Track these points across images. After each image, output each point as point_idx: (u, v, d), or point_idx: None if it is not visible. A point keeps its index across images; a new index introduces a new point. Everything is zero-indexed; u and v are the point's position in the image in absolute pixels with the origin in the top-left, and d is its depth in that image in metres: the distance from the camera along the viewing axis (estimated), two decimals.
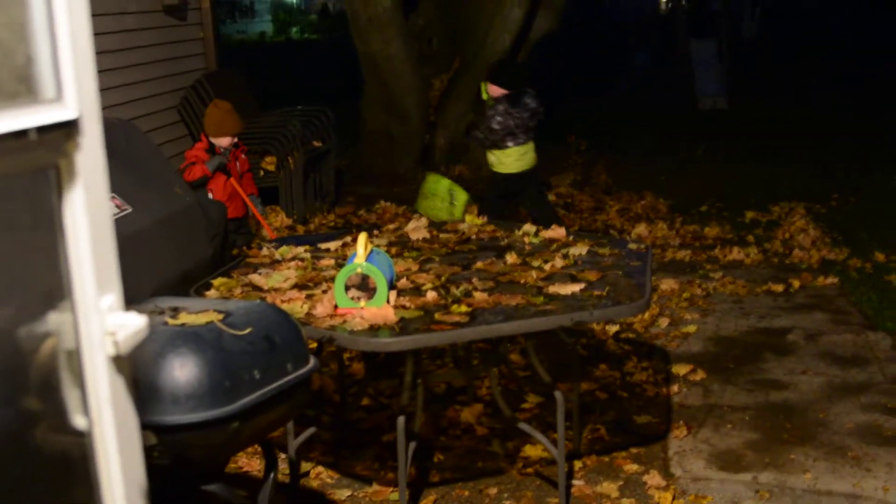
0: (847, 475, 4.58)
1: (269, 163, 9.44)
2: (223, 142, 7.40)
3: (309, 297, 3.98)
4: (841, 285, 7.63)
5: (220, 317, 3.03)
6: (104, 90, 7.07)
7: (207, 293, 4.11)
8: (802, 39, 30.38)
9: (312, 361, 3.16)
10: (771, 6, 36.35)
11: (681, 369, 5.90)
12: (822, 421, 5.19)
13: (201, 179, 7.21)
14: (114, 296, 1.81)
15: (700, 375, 5.83)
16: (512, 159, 8.03)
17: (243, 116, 8.50)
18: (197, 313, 3.05)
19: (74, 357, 1.78)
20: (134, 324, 1.82)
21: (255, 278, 4.25)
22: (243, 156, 7.70)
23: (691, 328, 6.71)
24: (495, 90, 7.91)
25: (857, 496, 4.39)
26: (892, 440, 4.93)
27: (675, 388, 5.66)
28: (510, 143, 7.97)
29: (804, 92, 20.16)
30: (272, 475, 3.23)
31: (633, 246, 4.82)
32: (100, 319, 1.78)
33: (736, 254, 8.48)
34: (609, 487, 4.46)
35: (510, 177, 8.04)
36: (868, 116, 16.88)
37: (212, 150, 7.37)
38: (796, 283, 7.63)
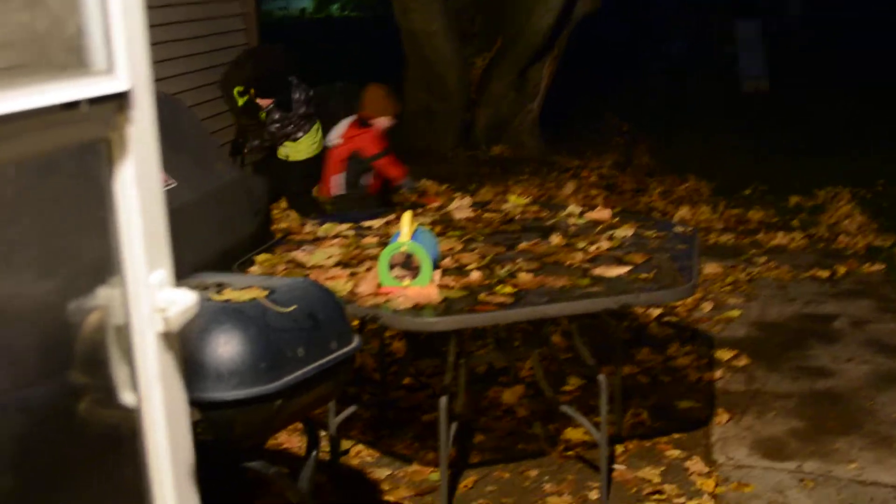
0: (893, 466, 4.51)
1: None
2: (385, 122, 7.51)
3: (352, 275, 3.95)
4: (887, 272, 7.52)
5: (264, 293, 3.00)
6: None
7: (251, 270, 4.09)
8: (848, 20, 29.95)
9: (356, 340, 3.13)
10: None
11: (724, 355, 5.84)
12: (868, 410, 5.12)
13: (393, 179, 7.54)
14: (164, 271, 1.79)
15: (743, 361, 5.77)
16: (306, 145, 8.17)
17: (283, 92, 8.51)
18: (241, 290, 3.03)
19: (124, 333, 1.76)
20: (184, 300, 1.80)
21: (299, 255, 4.23)
22: None
23: (735, 313, 6.64)
24: (264, 102, 8.11)
25: None
26: None
27: (718, 373, 5.60)
28: (301, 134, 8.17)
29: (849, 75, 19.91)
30: (314, 453, 3.21)
31: (679, 229, 4.75)
32: (150, 295, 1.76)
33: (780, 238, 8.39)
34: (651, 472, 4.41)
35: (308, 161, 8.16)
36: None
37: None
38: (842, 270, 7.53)
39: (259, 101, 8.17)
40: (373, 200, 7.49)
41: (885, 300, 6.90)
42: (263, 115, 8.21)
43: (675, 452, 4.63)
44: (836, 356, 5.88)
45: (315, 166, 7.97)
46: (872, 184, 10.43)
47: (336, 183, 7.45)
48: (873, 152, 12.20)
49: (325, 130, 8.83)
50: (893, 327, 6.35)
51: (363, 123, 7.41)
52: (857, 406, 5.17)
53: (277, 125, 8.20)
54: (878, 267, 7.60)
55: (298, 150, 8.15)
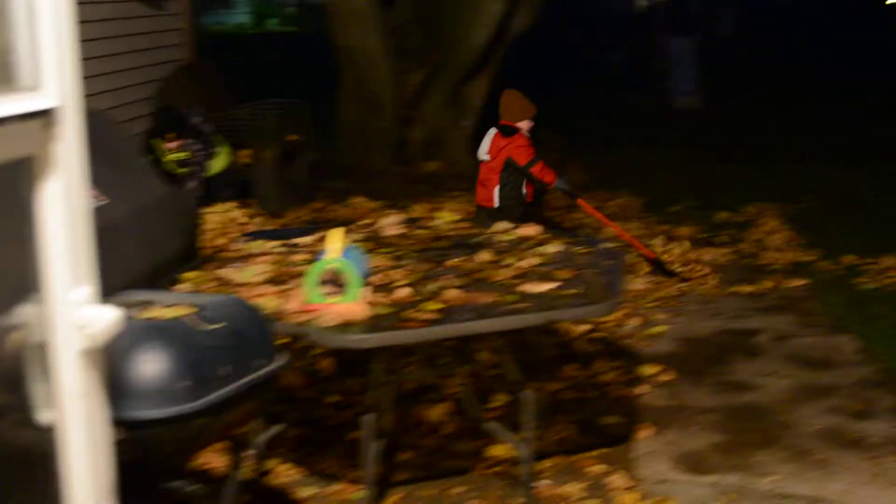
0: (811, 478, 4.63)
1: (244, 156, 9.43)
2: (525, 125, 7.66)
3: (281, 292, 3.97)
4: (811, 287, 7.69)
5: (191, 311, 3.02)
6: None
7: (178, 287, 4.10)
8: (779, 39, 30.44)
9: (282, 358, 3.16)
10: (748, 5, 36.40)
11: (649, 370, 5.94)
12: (787, 423, 5.24)
13: (546, 184, 7.68)
14: (88, 288, 1.80)
15: (668, 376, 5.87)
16: (222, 157, 8.93)
17: (219, 109, 8.69)
18: (167, 307, 3.05)
19: (45, 350, 1.77)
20: (107, 317, 1.81)
21: (227, 273, 4.25)
22: None
23: (661, 328, 6.75)
24: (173, 144, 8.62)
25: (820, 499, 4.44)
26: (856, 444, 4.98)
27: (643, 388, 5.69)
28: (217, 149, 8.92)
29: (778, 91, 20.24)
30: (237, 472, 3.23)
31: (606, 245, 4.84)
32: (73, 312, 1.77)
33: (708, 254, 8.53)
34: (574, 488, 4.48)
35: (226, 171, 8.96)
36: (841, 117, 16.97)
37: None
38: (767, 285, 7.69)
39: (167, 145, 8.58)
40: (531, 208, 7.77)
41: (808, 315, 7.06)
42: (184, 154, 8.54)
43: (599, 467, 4.70)
44: (758, 370, 6.01)
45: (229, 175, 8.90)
46: (799, 200, 10.63)
47: (496, 196, 7.62)
48: (801, 169, 12.43)
49: (256, 146, 8.98)
50: (814, 342, 6.50)
51: (508, 132, 7.58)
52: (777, 420, 5.29)
53: (202, 152, 8.61)
54: (801, 282, 7.76)
55: (217, 163, 8.73)
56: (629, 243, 8.12)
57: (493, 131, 7.65)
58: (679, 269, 7.97)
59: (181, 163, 8.59)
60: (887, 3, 37.71)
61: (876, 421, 5.26)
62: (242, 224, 8.59)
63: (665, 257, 8.12)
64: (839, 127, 15.94)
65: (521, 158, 7.47)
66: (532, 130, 7.78)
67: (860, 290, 7.56)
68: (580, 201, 8.12)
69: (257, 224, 8.76)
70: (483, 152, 7.69)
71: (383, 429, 4.27)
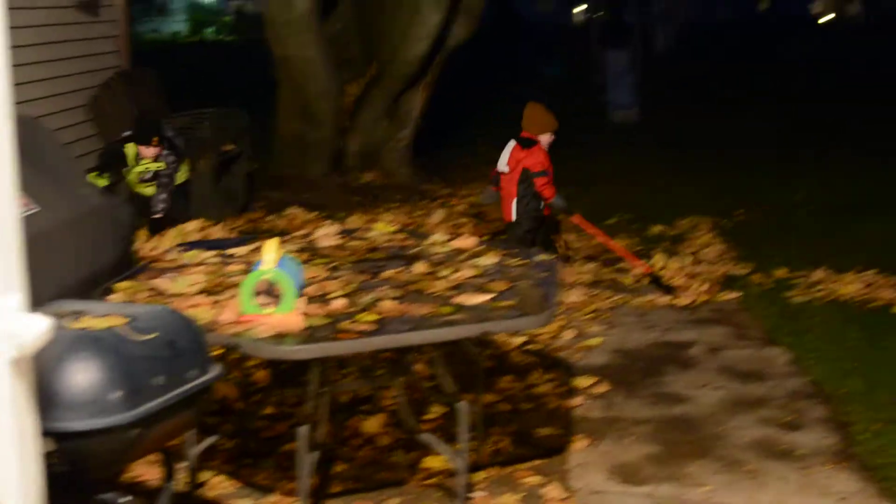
0: (742, 489, 4.68)
1: (141, 173, 9.35)
2: (545, 139, 7.95)
3: (215, 303, 3.95)
4: (743, 300, 7.79)
5: (124, 321, 2.99)
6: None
7: (111, 297, 4.06)
8: (715, 53, 30.85)
9: (216, 368, 3.14)
10: (684, 20, 36.90)
11: (584, 382, 5.97)
12: (720, 434, 5.30)
13: (545, 199, 7.84)
14: (18, 296, 1.78)
15: (603, 388, 5.91)
16: (183, 172, 8.65)
17: (155, 117, 8.60)
18: (100, 317, 3.02)
19: None
20: (38, 326, 1.79)
21: (161, 283, 4.21)
22: None
23: (596, 341, 6.80)
24: (149, 151, 8.30)
25: None
26: (786, 454, 5.05)
27: (577, 400, 5.73)
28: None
29: (714, 106, 20.50)
30: (170, 484, 3.20)
31: (541, 257, 4.87)
32: (2, 320, 1.75)
33: (642, 267, 8.59)
34: (510, 499, 4.49)
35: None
36: (775, 130, 17.22)
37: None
38: (700, 298, 7.77)
39: (146, 152, 8.26)
40: (547, 222, 8.06)
41: (740, 327, 7.15)
42: (156, 165, 8.30)
43: (534, 479, 4.71)
44: (691, 382, 6.07)
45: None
46: (732, 214, 10.78)
47: (514, 209, 7.86)
48: (735, 183, 12.59)
49: (193, 156, 8.90)
50: (746, 354, 6.59)
51: (527, 144, 7.84)
52: (709, 431, 5.34)
53: (174, 164, 8.41)
54: (734, 295, 7.86)
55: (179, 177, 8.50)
56: (628, 259, 8.23)
57: (512, 143, 7.94)
58: (678, 284, 8.05)
59: (151, 175, 8.34)
60: (819, 22, 38.54)
61: (805, 432, 5.33)
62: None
63: (661, 272, 8.20)
64: (773, 139, 16.17)
65: (535, 167, 7.76)
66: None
67: (791, 304, 7.67)
68: (575, 218, 8.26)
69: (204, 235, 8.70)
70: (503, 164, 7.94)
71: (318, 440, 4.26)
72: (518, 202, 7.82)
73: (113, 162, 8.32)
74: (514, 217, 7.85)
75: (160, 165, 8.30)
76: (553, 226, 8.36)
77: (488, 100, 20.59)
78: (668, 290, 7.88)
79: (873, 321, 7.27)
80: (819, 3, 56.60)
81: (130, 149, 8.29)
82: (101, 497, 2.98)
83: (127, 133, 8.36)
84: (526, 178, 7.77)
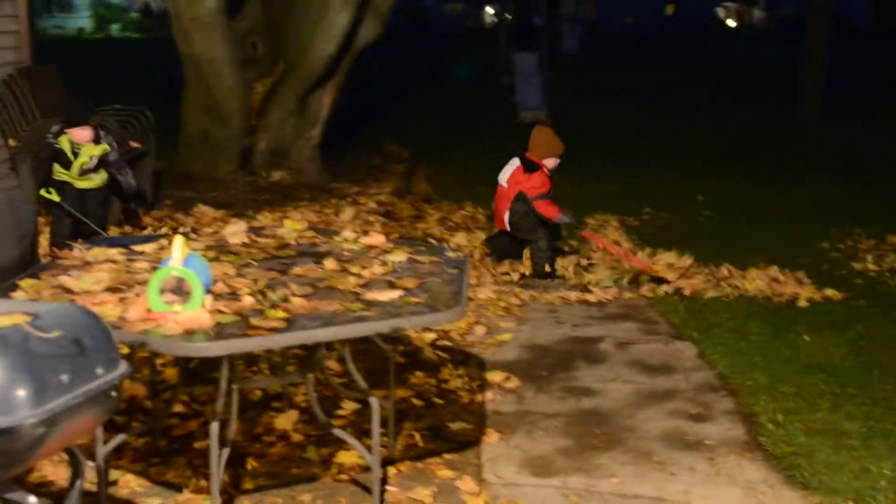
0: (652, 479, 4.74)
1: (84, 163, 9.18)
2: (550, 163, 8.30)
3: (122, 300, 3.89)
4: (651, 296, 7.89)
5: (28, 319, 2.93)
6: None
7: (14, 295, 3.97)
8: (622, 56, 31.27)
9: (123, 366, 3.09)
10: (591, 24, 37.37)
11: (496, 377, 6.00)
12: (629, 427, 5.36)
13: (548, 219, 8.20)
14: None
15: (514, 383, 5.95)
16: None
17: (58, 114, 8.37)
18: (3, 315, 2.95)
19: None
20: None
21: (66, 280, 4.13)
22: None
23: (507, 336, 6.84)
24: (83, 134, 7.89)
25: (662, 499, 4.55)
26: (694, 445, 5.13)
27: (489, 395, 5.75)
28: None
29: (621, 107, 20.78)
30: (78, 483, 3.14)
31: (451, 254, 4.88)
32: None
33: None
34: (422, 493, 4.49)
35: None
36: (680, 133, 17.54)
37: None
38: (609, 294, 7.86)
39: (78, 133, 7.82)
40: (545, 236, 8.26)
41: (648, 323, 7.25)
42: (99, 149, 7.92)
43: (447, 473, 4.72)
44: (600, 376, 6.14)
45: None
46: (639, 213, 10.94)
47: (507, 221, 8.27)
48: (641, 182, 12.80)
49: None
50: (654, 348, 6.68)
51: (529, 168, 8.22)
52: (619, 423, 5.41)
53: (115, 142, 8.12)
54: (642, 291, 7.96)
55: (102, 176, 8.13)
56: (628, 260, 8.46)
57: (516, 162, 8.35)
58: (671, 277, 8.19)
59: (95, 163, 7.91)
60: (667, 13, 39.65)
61: (713, 423, 5.43)
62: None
63: (655, 268, 8.27)
64: (677, 142, 16.47)
65: (531, 192, 8.11)
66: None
67: (697, 300, 7.79)
68: (585, 233, 8.73)
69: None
70: (503, 178, 8.39)
71: (229, 438, 4.21)
72: (511, 216, 8.25)
73: (51, 167, 7.92)
74: (508, 228, 8.32)
75: (104, 148, 7.91)
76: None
77: (397, 100, 20.62)
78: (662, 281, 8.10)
79: (777, 316, 7.44)
80: (723, 9, 57.71)
81: (65, 142, 7.84)
82: (7, 497, 2.92)
83: (55, 130, 7.92)
84: (520, 199, 8.17)
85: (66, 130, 7.83)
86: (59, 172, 7.92)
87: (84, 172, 7.90)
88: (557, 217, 8.26)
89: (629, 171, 13.89)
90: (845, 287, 8.14)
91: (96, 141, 7.89)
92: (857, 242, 9.86)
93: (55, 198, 7.88)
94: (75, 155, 7.86)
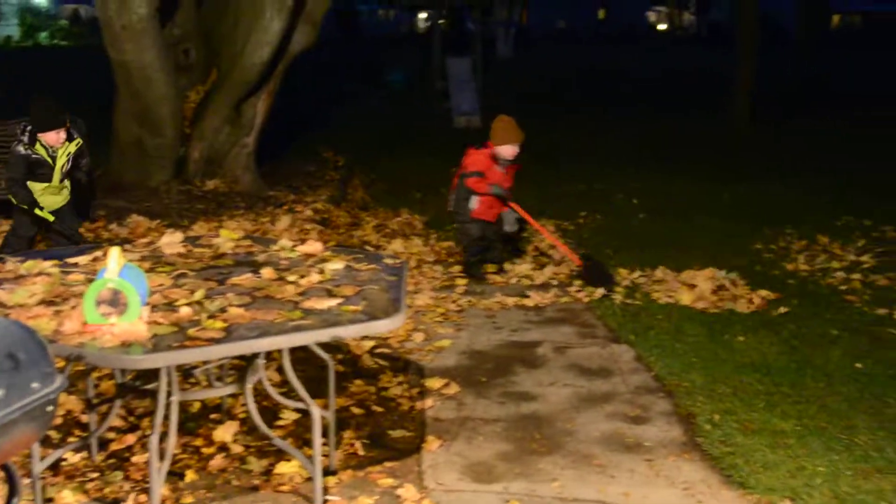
0: (592, 482, 4.77)
1: (63, 165, 9.05)
2: (507, 150, 8.28)
3: (57, 313, 3.84)
4: (587, 300, 7.95)
5: None
6: None
7: None
8: (555, 59, 31.44)
9: (60, 380, 3.05)
10: (524, 28, 37.57)
11: (435, 383, 6.01)
12: (569, 431, 5.39)
13: (476, 192, 8.29)
14: None
15: (454, 389, 5.95)
16: None
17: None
18: None
19: None
20: None
21: None
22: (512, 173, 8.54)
23: (445, 343, 6.85)
24: (56, 137, 7.48)
25: (602, 502, 4.58)
26: (633, 447, 5.17)
27: (429, 401, 5.75)
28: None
29: (554, 112, 20.89)
30: (14, 501, 3.09)
31: (388, 261, 4.88)
32: None
33: (488, 269, 8.70)
34: (364, 502, 4.48)
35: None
36: (616, 138, 17.69)
37: (493, 158, 8.37)
38: (547, 298, 7.90)
39: (52, 137, 7.40)
40: (476, 224, 8.47)
41: (585, 326, 7.30)
42: (74, 145, 7.58)
43: (388, 481, 4.72)
44: (539, 380, 6.16)
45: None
46: (574, 216, 11.02)
47: (452, 200, 8.55)
48: (575, 187, 12.88)
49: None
50: (592, 352, 6.72)
51: (479, 146, 8.37)
52: (559, 427, 5.43)
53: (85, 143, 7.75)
54: (579, 295, 8.01)
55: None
56: (564, 251, 8.67)
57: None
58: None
59: (70, 165, 7.58)
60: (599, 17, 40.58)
61: (651, 425, 5.47)
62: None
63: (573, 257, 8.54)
64: (613, 144, 16.61)
65: (468, 167, 8.26)
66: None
67: (633, 303, 7.86)
68: (512, 205, 8.61)
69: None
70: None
71: (169, 451, 4.17)
72: (456, 194, 8.49)
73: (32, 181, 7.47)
74: (451, 207, 8.59)
75: (78, 142, 7.56)
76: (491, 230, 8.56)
77: (332, 106, 20.57)
78: (607, 281, 8.13)
79: (713, 317, 7.52)
80: (654, 13, 58.31)
81: (41, 149, 7.41)
82: None
83: (24, 140, 7.37)
84: (461, 182, 8.37)
85: (39, 136, 7.39)
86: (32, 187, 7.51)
87: (63, 178, 7.58)
88: (486, 189, 8.33)
89: (563, 174, 13.99)
90: (778, 287, 8.26)
91: (69, 139, 7.54)
92: (788, 243, 10.02)
93: (49, 217, 7.55)
94: (52, 161, 7.49)
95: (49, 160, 7.45)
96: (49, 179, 7.53)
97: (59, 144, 7.44)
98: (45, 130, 7.36)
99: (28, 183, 7.46)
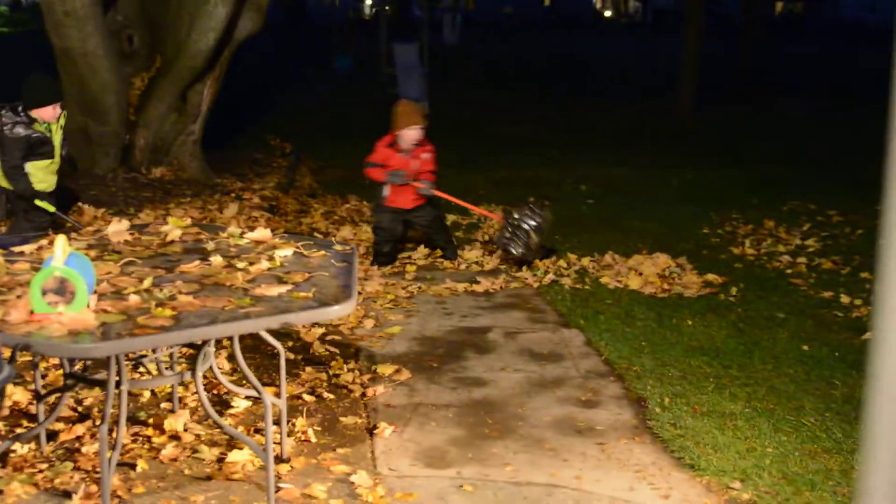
0: (545, 466, 4.79)
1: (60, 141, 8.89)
2: (409, 134, 8.24)
3: (2, 302, 3.79)
4: (537, 285, 7.97)
5: None
6: None
7: None
8: (501, 46, 31.49)
9: (7, 370, 3.01)
10: (471, 14, 37.66)
11: (386, 370, 6.00)
12: (521, 415, 5.41)
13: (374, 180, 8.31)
14: None
15: (405, 375, 5.95)
16: None
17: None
18: None
19: None
20: None
21: None
22: (425, 155, 8.45)
23: (396, 329, 6.83)
24: (50, 113, 7.37)
25: (555, 485, 4.60)
26: (585, 431, 5.20)
27: (380, 388, 5.74)
28: None
29: (501, 98, 20.92)
30: None
31: (338, 247, 4.86)
32: None
33: (439, 255, 8.70)
34: (317, 489, 4.46)
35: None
36: (562, 124, 17.74)
37: (394, 145, 8.32)
38: (497, 284, 7.91)
39: (49, 112, 7.26)
40: (387, 213, 8.46)
41: (535, 311, 7.32)
42: (62, 120, 7.39)
43: (341, 467, 4.70)
44: (490, 366, 6.17)
45: None
46: (522, 202, 11.02)
47: None
48: (523, 174, 12.91)
49: None
50: (542, 336, 6.74)
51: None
52: (510, 412, 5.45)
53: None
54: (529, 281, 8.04)
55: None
56: (484, 214, 9.05)
57: None
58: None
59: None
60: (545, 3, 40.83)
61: (602, 409, 5.51)
62: None
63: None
64: (559, 130, 16.65)
65: (366, 159, 8.36)
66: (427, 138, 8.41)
67: (583, 288, 7.89)
68: (417, 184, 8.50)
69: None
70: None
71: (119, 441, 4.13)
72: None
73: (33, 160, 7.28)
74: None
75: (64, 115, 7.44)
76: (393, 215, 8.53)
77: (278, 93, 20.46)
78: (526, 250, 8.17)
79: (661, 301, 7.58)
80: (600, 0, 58.53)
81: (41, 127, 7.26)
82: None
83: (21, 119, 7.16)
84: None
85: (34, 114, 7.20)
86: (36, 169, 7.34)
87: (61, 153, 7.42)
88: (383, 177, 8.35)
89: (511, 160, 14.03)
90: (725, 271, 8.34)
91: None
92: (735, 228, 10.12)
93: (51, 208, 7.38)
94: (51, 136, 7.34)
95: (49, 135, 7.32)
96: (52, 156, 7.39)
97: (54, 120, 7.32)
98: (45, 104, 7.22)
99: (29, 165, 7.30)
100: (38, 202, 7.33)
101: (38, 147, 7.30)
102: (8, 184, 7.32)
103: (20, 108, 7.23)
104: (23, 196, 7.28)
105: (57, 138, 7.39)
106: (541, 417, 5.38)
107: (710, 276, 8.09)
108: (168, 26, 12.29)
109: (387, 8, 27.61)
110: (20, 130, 7.18)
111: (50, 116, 7.27)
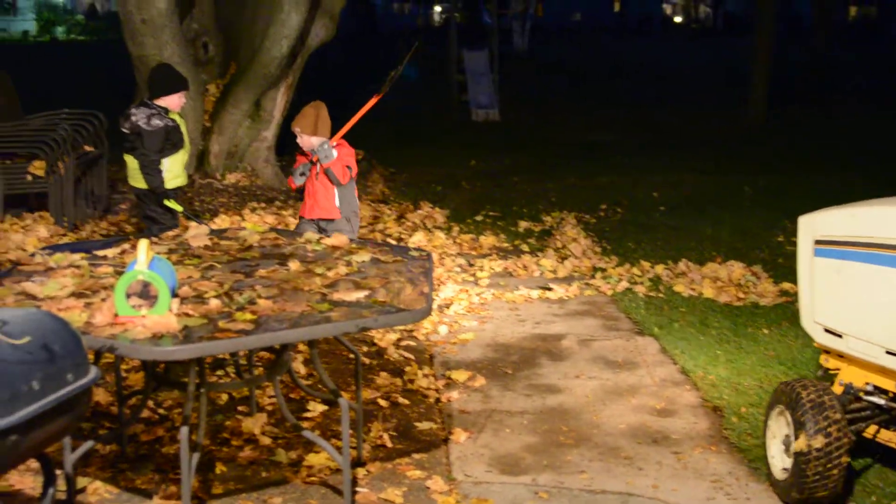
0: (620, 474, 4.76)
1: (38, 167, 9.07)
2: (307, 140, 7.63)
3: (87, 305, 3.85)
4: (611, 293, 7.93)
5: None
6: None
7: None
8: (571, 52, 31.35)
9: (93, 371, 3.05)
10: (540, 21, 37.55)
11: (460, 376, 6.00)
12: (595, 423, 5.38)
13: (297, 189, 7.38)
14: None
15: (479, 381, 5.94)
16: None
17: (7, 119, 8.11)
18: None
19: None
20: None
21: (29, 286, 4.08)
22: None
23: (470, 335, 6.84)
24: (177, 101, 7.31)
25: (630, 494, 4.57)
26: (660, 440, 5.16)
27: (455, 394, 5.75)
28: None
29: (572, 105, 20.85)
30: (51, 491, 3.10)
31: (414, 253, 4.87)
32: None
33: (512, 262, 8.69)
34: (393, 494, 4.48)
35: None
36: (634, 131, 17.64)
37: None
38: (570, 291, 7.89)
39: (171, 101, 7.17)
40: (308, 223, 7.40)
41: (609, 319, 7.28)
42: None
43: (416, 473, 4.71)
44: (565, 373, 6.15)
45: None
46: (595, 209, 10.99)
47: None
48: (596, 180, 12.86)
49: (54, 156, 8.56)
50: (616, 344, 6.70)
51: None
52: (585, 420, 5.42)
53: None
54: (603, 288, 8.00)
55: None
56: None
57: None
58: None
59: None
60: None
61: (677, 418, 5.46)
62: (45, 238, 8.34)
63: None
64: (631, 137, 16.55)
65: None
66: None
67: (657, 296, 7.84)
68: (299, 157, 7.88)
69: (52, 239, 8.46)
70: None
71: (198, 442, 4.17)
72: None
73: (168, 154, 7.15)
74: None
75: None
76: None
77: (349, 100, 20.53)
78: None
79: (737, 310, 7.50)
80: (669, 6, 58.17)
81: (174, 115, 7.17)
82: None
83: (155, 114, 7.04)
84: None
85: (161, 103, 7.10)
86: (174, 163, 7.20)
87: None
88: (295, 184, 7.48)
89: (582, 167, 13.96)
90: None
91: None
92: None
93: (179, 207, 7.24)
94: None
95: (179, 123, 7.23)
96: (183, 145, 7.27)
97: (180, 108, 7.27)
98: (173, 92, 7.17)
99: (167, 160, 7.15)
100: (167, 202, 7.18)
101: (172, 136, 7.15)
102: (142, 181, 7.17)
103: (148, 100, 7.17)
104: (155, 192, 7.16)
105: (185, 126, 7.32)
106: (616, 425, 5.35)
107: (786, 285, 7.99)
108: (242, 34, 12.45)
109: (456, 15, 27.64)
110: (157, 122, 7.06)
111: (177, 105, 7.22)
